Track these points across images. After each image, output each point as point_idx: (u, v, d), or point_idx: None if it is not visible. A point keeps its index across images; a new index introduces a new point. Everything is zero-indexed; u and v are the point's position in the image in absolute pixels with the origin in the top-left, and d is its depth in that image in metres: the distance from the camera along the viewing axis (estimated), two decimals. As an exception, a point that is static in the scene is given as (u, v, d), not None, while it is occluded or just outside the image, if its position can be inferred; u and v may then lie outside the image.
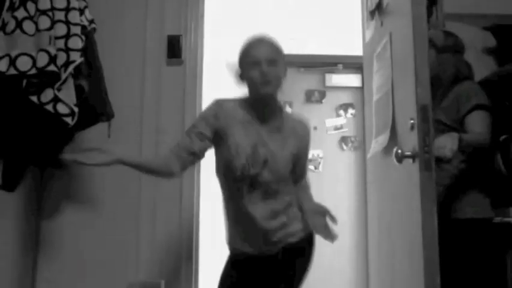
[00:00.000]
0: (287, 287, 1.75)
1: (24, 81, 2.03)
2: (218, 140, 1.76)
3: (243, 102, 1.80)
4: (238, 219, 1.78)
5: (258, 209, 1.73)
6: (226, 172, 1.76)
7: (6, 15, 2.09)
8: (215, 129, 1.75)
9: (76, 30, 2.13)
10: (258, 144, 1.73)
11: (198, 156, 1.78)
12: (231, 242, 1.84)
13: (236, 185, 1.74)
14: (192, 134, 1.77)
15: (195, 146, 1.75)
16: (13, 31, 2.06)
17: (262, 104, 1.78)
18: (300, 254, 1.79)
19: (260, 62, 1.71)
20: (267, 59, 1.72)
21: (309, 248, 1.82)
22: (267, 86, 1.71)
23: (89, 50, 2.26)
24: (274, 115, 1.79)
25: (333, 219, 1.87)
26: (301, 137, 1.85)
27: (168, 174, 1.79)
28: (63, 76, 2.07)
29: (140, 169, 1.79)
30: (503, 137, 2.33)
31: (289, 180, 1.82)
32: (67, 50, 2.09)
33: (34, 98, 2.03)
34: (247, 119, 1.77)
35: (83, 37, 2.17)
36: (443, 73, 2.09)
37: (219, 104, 1.79)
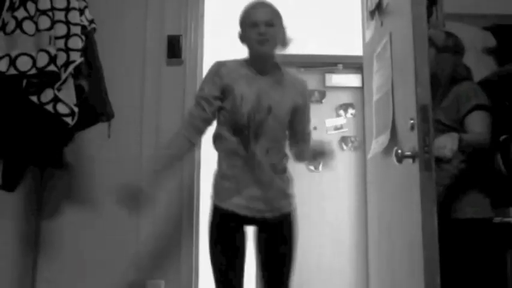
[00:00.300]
0: (286, 249, 1.91)
1: (24, 81, 2.03)
2: (224, 95, 1.87)
3: (243, 61, 1.93)
4: (239, 173, 1.85)
5: (264, 158, 1.85)
6: (232, 122, 1.85)
7: (6, 15, 2.09)
8: (221, 88, 1.86)
9: (76, 30, 2.13)
10: (261, 93, 1.86)
11: (211, 119, 1.91)
12: (226, 203, 1.88)
13: (243, 134, 1.83)
14: (202, 102, 1.88)
15: (207, 112, 1.87)
16: (13, 31, 2.06)
17: (261, 61, 1.92)
18: (288, 224, 1.94)
19: (258, 24, 1.86)
20: (265, 20, 1.86)
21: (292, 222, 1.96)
22: (264, 44, 1.86)
23: (89, 50, 2.26)
24: (273, 70, 1.95)
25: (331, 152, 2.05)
26: (300, 92, 1.99)
27: (192, 147, 1.98)
28: (63, 76, 2.07)
29: (173, 164, 1.99)
30: (503, 137, 2.33)
31: (285, 137, 1.97)
32: (67, 50, 2.09)
33: (34, 98, 2.03)
34: (249, 74, 1.90)
35: (83, 37, 2.17)
36: (441, 72, 2.09)
37: (220, 63, 1.91)
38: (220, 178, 1.91)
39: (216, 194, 1.93)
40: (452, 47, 2.13)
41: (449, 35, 2.17)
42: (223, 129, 1.88)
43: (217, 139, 1.91)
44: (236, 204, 1.84)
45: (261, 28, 1.85)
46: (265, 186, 1.84)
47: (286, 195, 1.92)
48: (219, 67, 1.90)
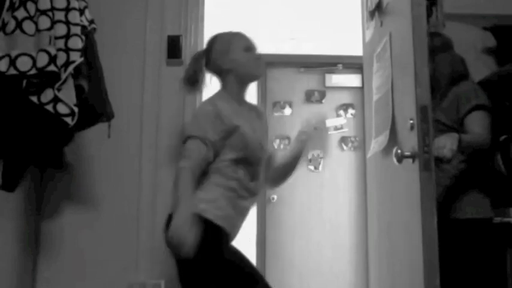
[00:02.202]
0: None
1: (24, 82, 2.03)
2: (227, 135, 1.79)
3: (222, 95, 1.89)
4: (239, 200, 1.81)
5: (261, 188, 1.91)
6: (241, 157, 1.79)
7: (6, 15, 2.09)
8: (224, 130, 1.77)
9: (76, 30, 2.13)
10: (254, 128, 1.85)
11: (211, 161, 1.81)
12: (230, 224, 1.80)
13: (252, 167, 1.82)
14: (208, 143, 1.75)
15: (212, 155, 1.77)
16: (13, 31, 2.06)
17: (245, 88, 1.92)
18: None
19: (254, 48, 1.91)
20: (254, 46, 1.92)
21: None
22: (261, 68, 1.94)
23: (89, 50, 2.25)
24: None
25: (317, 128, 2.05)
26: (265, 118, 2.04)
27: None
28: (63, 76, 2.06)
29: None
30: (503, 137, 2.33)
31: None
32: (67, 50, 2.09)
33: (34, 98, 2.03)
34: (237, 107, 1.86)
35: (83, 37, 2.17)
36: (440, 73, 2.10)
37: (215, 105, 1.81)
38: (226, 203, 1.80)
39: (224, 217, 1.79)
40: (441, 46, 2.13)
41: (433, 35, 2.17)
42: (225, 165, 1.79)
43: (216, 172, 1.81)
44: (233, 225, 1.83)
45: (256, 51, 1.90)
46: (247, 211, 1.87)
47: None
48: (217, 110, 1.78)
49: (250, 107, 1.97)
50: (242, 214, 1.84)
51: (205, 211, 1.73)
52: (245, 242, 3.68)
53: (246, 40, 1.93)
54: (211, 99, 1.86)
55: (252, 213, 3.60)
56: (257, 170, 1.84)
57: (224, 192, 1.78)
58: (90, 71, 2.24)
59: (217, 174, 1.79)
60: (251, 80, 1.93)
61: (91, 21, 2.29)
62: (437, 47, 2.12)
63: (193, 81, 1.96)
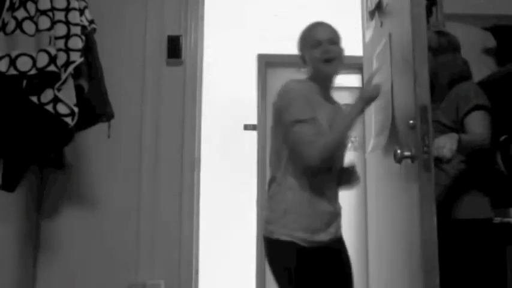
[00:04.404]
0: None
1: (25, 82, 2.03)
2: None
3: (311, 84, 1.82)
4: (319, 202, 1.73)
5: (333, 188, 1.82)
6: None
7: (6, 15, 2.09)
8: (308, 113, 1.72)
9: (76, 30, 2.13)
10: (331, 121, 1.77)
11: None
12: (311, 232, 1.70)
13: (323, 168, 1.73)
14: (312, 122, 1.70)
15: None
16: (13, 31, 2.06)
17: (326, 83, 1.83)
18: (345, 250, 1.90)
19: (322, 42, 1.78)
20: (328, 38, 1.79)
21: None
22: (330, 64, 1.77)
23: (89, 50, 2.26)
24: (332, 96, 1.89)
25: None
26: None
27: None
28: (63, 76, 2.07)
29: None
30: (503, 137, 2.33)
31: None
32: (67, 50, 2.09)
33: (34, 98, 2.03)
34: (320, 99, 1.79)
35: (83, 37, 2.17)
36: (441, 74, 2.09)
37: (304, 89, 1.77)
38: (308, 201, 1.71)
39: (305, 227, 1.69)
40: (447, 46, 2.12)
41: (441, 34, 2.17)
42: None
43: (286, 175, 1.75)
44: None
45: (325, 46, 1.77)
46: (332, 223, 1.80)
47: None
48: (306, 94, 1.74)
49: (334, 103, 1.87)
50: (323, 217, 1.73)
51: (272, 233, 1.69)
52: (245, 242, 3.69)
53: (315, 35, 1.81)
54: (301, 82, 1.80)
55: (252, 213, 3.61)
56: (332, 170, 1.77)
57: (295, 196, 1.70)
58: (90, 71, 2.25)
59: (288, 176, 1.72)
60: (322, 77, 1.81)
61: (91, 21, 2.30)
62: (442, 47, 2.11)
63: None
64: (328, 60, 1.77)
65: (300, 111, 1.69)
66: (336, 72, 1.82)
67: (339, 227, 1.84)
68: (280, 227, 1.68)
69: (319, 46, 1.78)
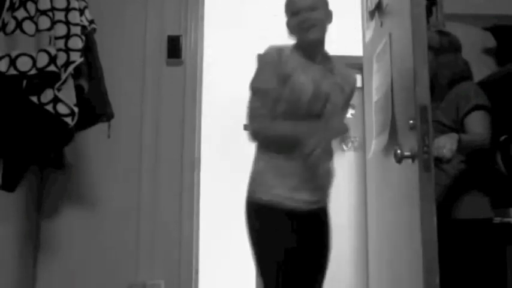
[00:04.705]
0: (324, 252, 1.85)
1: (24, 82, 2.03)
2: (281, 85, 1.75)
3: (295, 47, 1.83)
4: (297, 162, 1.71)
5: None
6: (290, 112, 1.73)
7: (6, 15, 2.09)
8: (281, 77, 1.74)
9: (76, 30, 2.13)
10: (317, 81, 1.76)
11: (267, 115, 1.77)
12: (283, 193, 1.71)
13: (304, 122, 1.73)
14: (260, 95, 1.75)
15: (265, 109, 1.75)
16: (13, 31, 2.06)
17: (310, 49, 1.81)
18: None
19: (300, 10, 1.77)
20: (308, 6, 1.76)
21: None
22: (308, 31, 1.76)
23: (89, 50, 2.26)
24: (324, 59, 1.84)
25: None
26: (351, 85, 1.90)
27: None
28: (63, 76, 2.07)
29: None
30: (503, 137, 2.33)
31: None
32: (67, 50, 2.09)
33: (34, 98, 2.03)
34: (303, 61, 1.79)
35: (83, 37, 2.17)
36: (441, 74, 2.09)
37: (279, 49, 1.79)
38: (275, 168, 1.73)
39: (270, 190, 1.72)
40: (449, 46, 2.12)
41: (442, 34, 2.17)
42: (283, 115, 1.75)
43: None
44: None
45: (303, 15, 1.76)
46: (314, 184, 1.76)
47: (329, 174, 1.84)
48: (278, 54, 1.77)
49: (329, 69, 1.83)
50: (306, 178, 1.72)
51: (252, 192, 1.74)
52: (245, 242, 3.68)
53: (294, 2, 1.80)
54: (283, 46, 1.82)
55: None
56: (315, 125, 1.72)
57: (270, 160, 1.74)
58: (90, 71, 2.24)
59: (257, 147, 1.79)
60: (304, 44, 1.80)
61: (91, 21, 2.30)
62: (443, 47, 2.12)
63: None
64: (306, 29, 1.76)
65: (257, 79, 1.77)
66: (317, 39, 1.80)
67: (320, 198, 1.80)
68: (249, 190, 1.76)
69: (298, 14, 1.77)
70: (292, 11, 1.80)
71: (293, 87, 1.72)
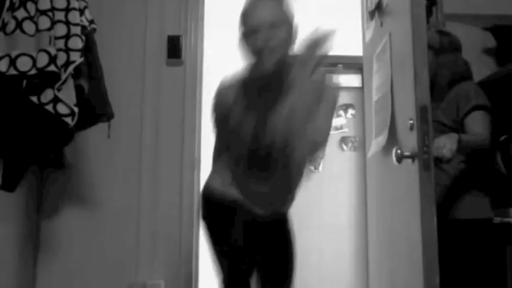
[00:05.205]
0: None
1: (25, 82, 2.03)
2: (223, 124, 1.64)
3: (244, 81, 1.59)
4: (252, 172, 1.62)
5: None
6: (235, 148, 1.63)
7: (6, 15, 2.09)
8: (219, 118, 1.66)
9: (76, 30, 2.13)
10: (262, 120, 1.54)
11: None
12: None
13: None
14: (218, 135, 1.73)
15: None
16: (13, 31, 2.06)
17: (263, 80, 1.52)
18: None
19: (259, 28, 1.45)
20: (267, 22, 1.45)
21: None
22: (265, 55, 1.45)
23: (89, 50, 2.26)
24: (281, 89, 1.52)
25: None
26: (330, 101, 1.60)
27: None
28: (63, 76, 2.07)
29: None
30: (503, 137, 2.33)
31: None
32: (67, 50, 2.09)
33: (34, 98, 2.03)
34: (252, 103, 1.56)
35: (83, 37, 2.17)
36: (441, 74, 2.09)
37: (224, 95, 1.62)
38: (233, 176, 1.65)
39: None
40: (449, 46, 2.12)
41: (443, 33, 2.17)
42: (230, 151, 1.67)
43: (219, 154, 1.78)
44: None
45: (261, 34, 1.44)
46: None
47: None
48: (216, 98, 1.63)
49: (274, 102, 1.51)
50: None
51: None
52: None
53: (250, 18, 1.49)
54: (231, 84, 1.61)
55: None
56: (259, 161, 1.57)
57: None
58: (90, 71, 2.24)
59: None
60: (258, 71, 1.51)
61: (91, 21, 2.30)
62: (443, 47, 2.12)
63: None
64: (261, 53, 1.44)
65: (212, 119, 1.69)
66: (274, 65, 1.45)
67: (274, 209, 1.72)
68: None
69: (257, 32, 1.44)
70: (247, 27, 1.49)
71: (233, 126, 1.56)
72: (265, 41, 1.43)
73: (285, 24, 1.48)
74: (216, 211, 1.68)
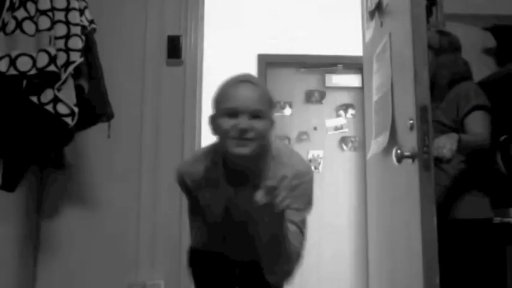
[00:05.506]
0: None
1: (25, 82, 2.03)
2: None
3: (211, 159, 1.53)
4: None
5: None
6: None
7: (6, 15, 2.09)
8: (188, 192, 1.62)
9: (76, 30, 2.13)
10: (230, 207, 1.52)
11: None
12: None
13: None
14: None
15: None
16: (13, 31, 2.06)
17: (235, 167, 1.44)
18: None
19: (239, 113, 1.35)
20: (249, 109, 1.35)
21: None
22: (242, 146, 1.35)
23: (89, 50, 2.26)
24: (253, 176, 1.44)
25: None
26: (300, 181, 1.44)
27: None
28: (63, 76, 2.07)
29: None
30: (503, 137, 2.33)
31: None
32: (67, 50, 2.09)
33: (34, 99, 2.03)
34: (215, 182, 1.49)
35: (83, 37, 2.17)
36: (441, 74, 2.10)
37: (180, 176, 1.58)
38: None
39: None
40: (448, 46, 2.12)
41: (442, 34, 2.17)
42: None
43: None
44: None
45: (242, 122, 1.34)
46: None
47: None
48: (181, 182, 1.57)
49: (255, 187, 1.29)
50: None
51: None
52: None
53: (232, 100, 1.37)
54: (190, 167, 1.57)
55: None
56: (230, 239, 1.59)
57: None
58: (90, 71, 2.25)
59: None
60: (230, 158, 1.41)
61: (91, 21, 2.30)
62: (443, 47, 2.12)
63: None
64: (240, 144, 1.34)
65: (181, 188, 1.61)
66: (249, 157, 1.36)
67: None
68: None
69: (235, 118, 1.35)
70: (227, 110, 1.36)
71: (203, 207, 1.55)
72: (245, 129, 1.34)
73: (267, 112, 1.40)
74: (200, 260, 1.70)
